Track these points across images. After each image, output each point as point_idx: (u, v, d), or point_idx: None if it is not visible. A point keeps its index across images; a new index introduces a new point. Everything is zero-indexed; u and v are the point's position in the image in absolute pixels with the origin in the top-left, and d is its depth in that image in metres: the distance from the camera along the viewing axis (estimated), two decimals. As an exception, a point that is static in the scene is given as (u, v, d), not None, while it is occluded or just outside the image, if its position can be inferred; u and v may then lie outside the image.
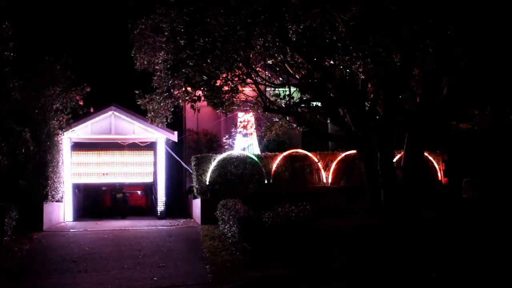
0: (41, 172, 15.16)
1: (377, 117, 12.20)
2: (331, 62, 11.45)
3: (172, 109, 13.44)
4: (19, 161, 14.37)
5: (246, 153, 17.11)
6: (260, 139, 18.26)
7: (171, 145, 19.67)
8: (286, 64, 12.09)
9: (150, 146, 19.72)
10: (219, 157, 16.53)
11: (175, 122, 16.83)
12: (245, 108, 13.99)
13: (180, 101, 12.90)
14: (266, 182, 16.44)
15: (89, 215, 18.97)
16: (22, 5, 14.46)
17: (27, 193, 14.52)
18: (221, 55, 10.94)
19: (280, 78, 13.21)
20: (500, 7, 9.82)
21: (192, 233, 14.52)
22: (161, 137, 18.95)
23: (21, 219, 13.17)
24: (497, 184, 14.52)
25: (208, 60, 10.97)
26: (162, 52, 12.40)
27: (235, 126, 18.12)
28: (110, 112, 18.53)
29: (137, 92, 13.49)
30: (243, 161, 16.55)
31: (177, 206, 19.60)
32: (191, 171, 17.78)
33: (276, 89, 12.71)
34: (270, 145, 18.37)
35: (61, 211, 17.62)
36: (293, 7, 10.42)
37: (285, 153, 16.92)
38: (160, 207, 18.73)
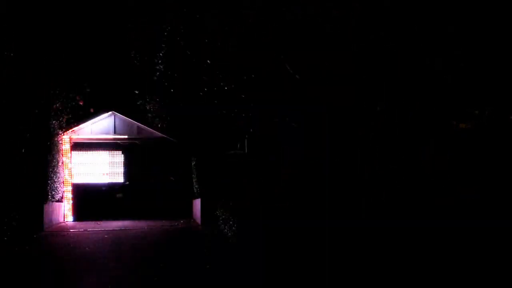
0: (41, 172, 15.15)
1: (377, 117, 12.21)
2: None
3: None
4: (19, 161, 14.36)
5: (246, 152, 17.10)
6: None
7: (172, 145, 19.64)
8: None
9: (151, 146, 19.67)
10: (219, 157, 16.52)
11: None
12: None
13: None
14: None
15: (89, 215, 18.93)
16: (23, 4, 14.43)
17: (27, 193, 14.51)
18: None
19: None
20: (500, 7, 9.84)
21: (193, 233, 14.52)
22: (162, 137, 18.93)
23: (21, 219, 13.16)
24: (497, 184, 14.51)
25: (208, 60, 10.98)
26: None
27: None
28: (110, 112, 18.52)
29: (137, 92, 13.50)
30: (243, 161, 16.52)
31: (178, 206, 19.55)
32: (192, 171, 17.77)
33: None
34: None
35: (61, 211, 17.61)
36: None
37: (285, 153, 16.90)
38: (161, 207, 18.71)
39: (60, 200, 17.22)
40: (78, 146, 18.94)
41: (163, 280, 9.32)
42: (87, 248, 12.41)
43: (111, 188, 21.73)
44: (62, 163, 17.42)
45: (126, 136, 18.93)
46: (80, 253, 11.83)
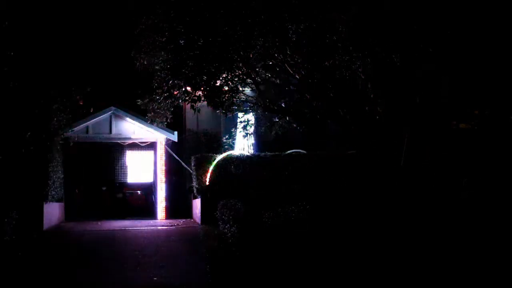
0: (41, 172, 15.15)
1: (377, 117, 12.20)
2: (331, 62, 11.45)
3: (172, 109, 13.43)
4: (19, 161, 14.36)
5: (246, 153, 17.10)
6: (261, 138, 18.25)
7: (171, 145, 19.67)
8: (286, 64, 12.09)
9: (150, 146, 19.71)
10: (219, 157, 16.52)
11: (175, 122, 16.82)
12: (245, 108, 13.99)
13: (180, 101, 12.89)
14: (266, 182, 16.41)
15: (89, 215, 18.95)
16: (23, 3, 14.42)
17: (27, 193, 14.50)
18: (221, 55, 10.95)
19: (277, 81, 13.20)
20: (500, 7, 9.83)
21: (192, 233, 14.52)
22: (161, 137, 18.92)
23: (21, 219, 13.16)
24: (497, 184, 14.49)
25: (208, 60, 10.98)
26: (162, 52, 12.39)
27: (235, 126, 18.11)
28: (110, 112, 18.49)
29: (137, 92, 13.52)
30: (243, 161, 16.54)
31: (177, 206, 19.60)
32: (191, 171, 17.77)
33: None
34: (270, 145, 18.35)
35: (61, 211, 17.62)
36: (293, 7, 10.43)
37: (285, 153, 16.91)
38: (160, 207, 18.72)
39: (60, 200, 17.22)
40: (78, 146, 18.94)
41: (162, 280, 9.35)
42: (87, 248, 12.42)
43: (111, 188, 21.74)
44: (62, 162, 17.39)
45: (126, 136, 18.90)
46: (80, 253, 11.85)
